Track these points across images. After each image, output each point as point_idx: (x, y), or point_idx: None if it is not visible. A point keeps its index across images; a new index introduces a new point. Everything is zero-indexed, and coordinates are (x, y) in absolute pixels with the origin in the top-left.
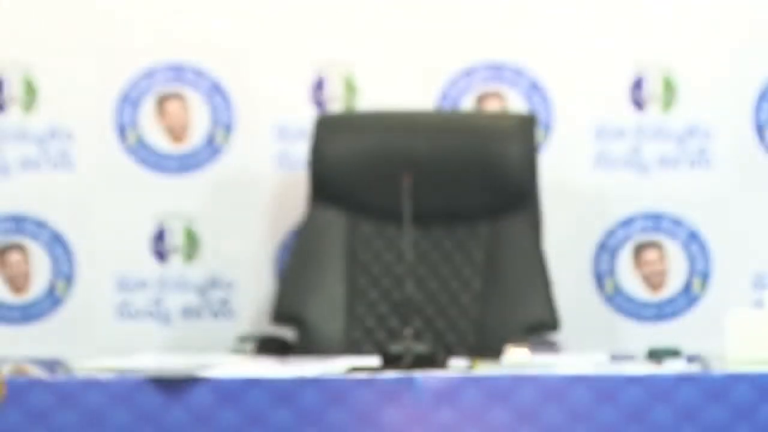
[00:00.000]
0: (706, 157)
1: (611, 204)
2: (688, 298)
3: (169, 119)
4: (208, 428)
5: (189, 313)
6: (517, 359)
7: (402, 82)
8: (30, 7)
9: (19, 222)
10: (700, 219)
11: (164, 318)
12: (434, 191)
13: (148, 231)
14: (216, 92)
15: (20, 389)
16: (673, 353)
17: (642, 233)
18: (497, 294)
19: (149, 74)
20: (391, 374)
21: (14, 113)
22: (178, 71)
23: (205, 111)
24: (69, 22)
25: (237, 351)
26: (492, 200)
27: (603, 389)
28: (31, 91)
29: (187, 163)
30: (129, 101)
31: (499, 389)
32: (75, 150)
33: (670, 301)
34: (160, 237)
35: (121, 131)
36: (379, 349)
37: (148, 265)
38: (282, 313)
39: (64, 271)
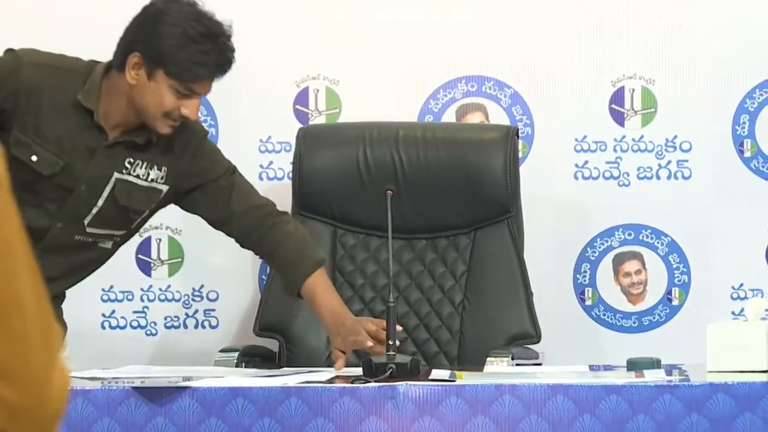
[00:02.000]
0: (685, 168)
1: (591, 215)
2: (667, 308)
3: None
4: None
5: (173, 324)
6: (499, 370)
7: (384, 95)
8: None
9: None
10: (679, 230)
11: (149, 329)
12: (416, 203)
13: (133, 243)
14: (200, 104)
15: None
16: (653, 364)
17: (622, 245)
18: (479, 305)
19: None
20: (373, 385)
21: None
22: None
23: None
24: None
25: (221, 362)
26: (473, 212)
27: (584, 399)
28: None
29: None
30: None
31: (481, 399)
32: None
33: (650, 311)
34: (145, 249)
35: None
36: (361, 359)
37: (133, 277)
38: (265, 324)
39: None
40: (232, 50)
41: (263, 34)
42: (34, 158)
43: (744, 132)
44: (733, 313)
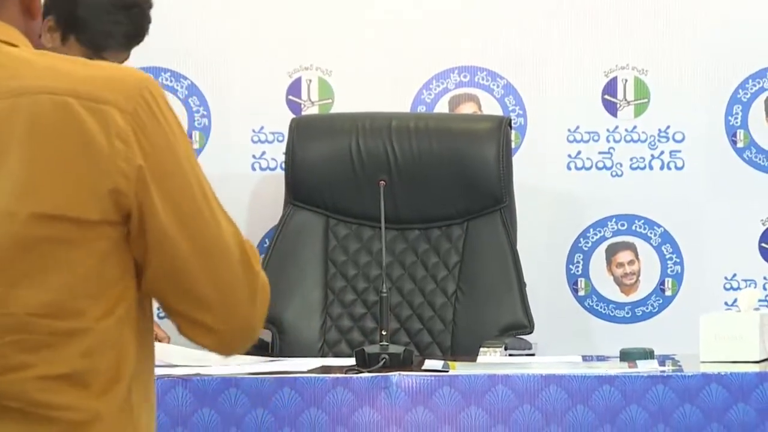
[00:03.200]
0: (678, 159)
1: (584, 206)
2: (660, 299)
3: None
4: (185, 428)
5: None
6: (492, 360)
7: (377, 86)
8: None
9: None
10: (672, 221)
11: None
12: (409, 193)
13: None
14: (193, 95)
15: None
16: (646, 354)
17: (615, 235)
18: (472, 295)
19: None
20: (366, 375)
21: None
22: (155, 74)
23: (182, 114)
24: None
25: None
26: (466, 202)
27: (577, 390)
28: None
29: None
30: None
31: (474, 390)
32: None
33: (643, 302)
34: None
35: None
36: (354, 350)
37: None
38: None
39: None
40: (147, 21)
41: (256, 24)
42: None
43: (737, 122)
44: (726, 303)
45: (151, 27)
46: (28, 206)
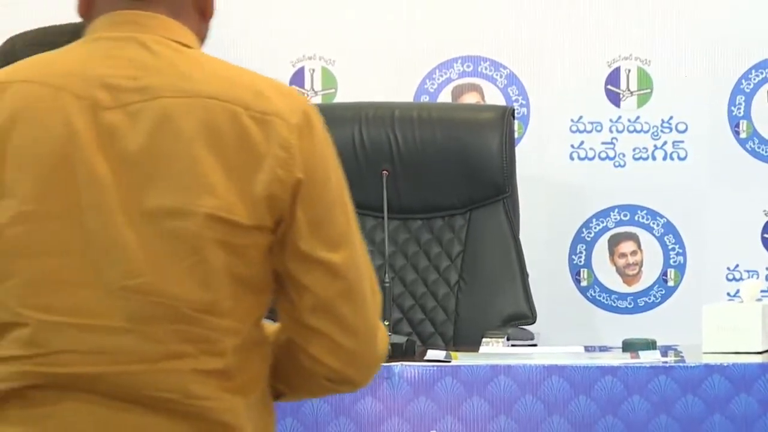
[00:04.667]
0: (680, 149)
1: (587, 196)
2: (663, 289)
3: None
4: None
5: None
6: (494, 350)
7: (380, 75)
8: None
9: None
10: (675, 211)
11: None
12: (412, 183)
13: None
14: None
15: None
16: (649, 345)
17: (618, 225)
18: (474, 285)
19: None
20: None
21: None
22: None
23: None
24: None
25: None
26: (469, 192)
27: (579, 380)
28: None
29: None
30: None
31: (476, 380)
32: None
33: (646, 292)
34: None
35: None
36: None
37: None
38: None
39: None
40: None
41: (259, 13)
42: None
43: (740, 113)
44: (728, 294)
45: None
46: (204, 206)
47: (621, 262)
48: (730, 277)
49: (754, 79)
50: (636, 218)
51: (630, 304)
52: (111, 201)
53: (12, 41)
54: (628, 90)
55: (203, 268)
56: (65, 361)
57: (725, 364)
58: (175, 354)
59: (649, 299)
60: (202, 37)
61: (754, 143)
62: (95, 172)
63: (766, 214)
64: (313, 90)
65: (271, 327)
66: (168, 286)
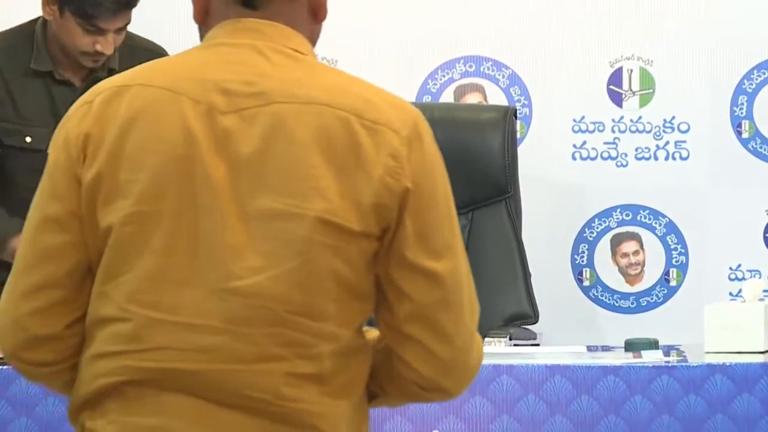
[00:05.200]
0: (683, 150)
1: (589, 196)
2: (665, 289)
3: None
4: None
5: None
6: (496, 350)
7: (382, 75)
8: None
9: None
10: (677, 211)
11: None
12: None
13: None
14: None
15: (5, 380)
16: (651, 344)
17: (620, 225)
18: (476, 285)
19: None
20: None
21: None
22: None
23: None
24: None
25: None
26: (471, 192)
27: (581, 380)
28: None
29: None
30: None
31: (479, 380)
32: None
33: (648, 292)
34: None
35: None
36: None
37: None
38: None
39: None
40: None
41: None
42: (28, 139)
43: (742, 113)
44: (730, 293)
45: (155, 18)
46: (315, 209)
47: (623, 261)
48: (733, 276)
49: (756, 79)
50: (638, 218)
51: (632, 303)
52: (225, 203)
53: None
54: (631, 90)
55: (308, 269)
56: (164, 358)
57: (727, 364)
58: (269, 357)
59: (652, 299)
60: (314, 39)
61: (756, 143)
62: (211, 174)
63: (767, 214)
64: None
65: (373, 332)
66: (269, 288)
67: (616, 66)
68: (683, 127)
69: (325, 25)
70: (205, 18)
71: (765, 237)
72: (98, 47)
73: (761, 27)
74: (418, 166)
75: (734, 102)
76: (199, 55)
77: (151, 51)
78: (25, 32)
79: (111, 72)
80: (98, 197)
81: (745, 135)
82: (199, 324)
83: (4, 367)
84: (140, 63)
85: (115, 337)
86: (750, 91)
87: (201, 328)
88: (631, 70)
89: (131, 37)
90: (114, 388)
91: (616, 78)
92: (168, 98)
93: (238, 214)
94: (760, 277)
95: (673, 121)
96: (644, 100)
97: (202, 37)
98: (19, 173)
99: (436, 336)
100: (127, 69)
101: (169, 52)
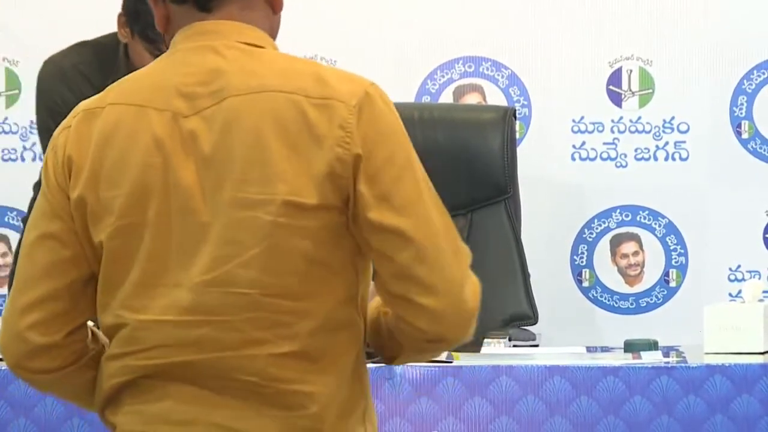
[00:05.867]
0: (682, 150)
1: (589, 197)
2: (665, 290)
3: None
4: None
5: None
6: (496, 351)
7: (381, 75)
8: None
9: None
10: (677, 212)
11: None
12: None
13: None
14: None
15: (4, 380)
16: (650, 345)
17: (619, 226)
18: None
19: None
20: (370, 365)
21: None
22: None
23: None
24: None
25: None
26: (471, 193)
27: (581, 381)
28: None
29: None
30: None
31: (478, 380)
32: None
33: (648, 293)
34: None
35: None
36: None
37: None
38: None
39: None
40: None
41: None
42: None
43: (741, 113)
44: (730, 294)
45: None
46: (280, 194)
47: (623, 262)
48: (732, 277)
49: (756, 80)
50: (638, 219)
51: (632, 304)
52: (196, 203)
53: None
54: (630, 90)
55: (274, 251)
56: (159, 355)
57: (727, 365)
58: (252, 341)
59: (651, 300)
60: (274, 30)
61: (755, 144)
62: (181, 178)
63: (767, 215)
64: None
65: (374, 301)
66: (240, 275)
67: (616, 66)
68: (683, 128)
69: (325, 25)
70: (167, 26)
71: (765, 238)
72: None
73: (761, 27)
74: (369, 132)
75: (734, 102)
76: (161, 64)
77: None
78: (109, 49)
79: None
80: (86, 217)
81: (744, 135)
82: (183, 320)
83: (2, 368)
84: None
85: (118, 340)
86: (750, 91)
87: (185, 323)
88: (631, 71)
89: None
90: (124, 384)
91: (615, 78)
92: (135, 113)
93: (208, 211)
94: (759, 278)
95: (672, 122)
96: (644, 101)
97: (166, 45)
98: None
99: (419, 289)
100: None
101: None
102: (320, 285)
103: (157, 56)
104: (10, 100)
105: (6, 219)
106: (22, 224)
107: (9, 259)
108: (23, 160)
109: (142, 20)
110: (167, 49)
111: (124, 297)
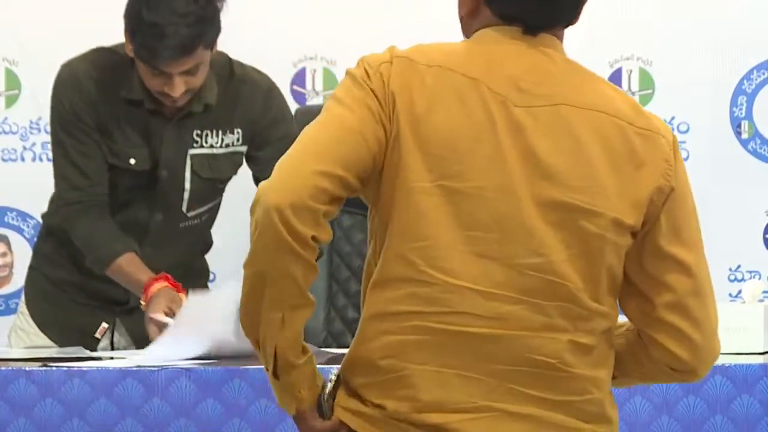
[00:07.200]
0: (683, 150)
1: None
2: None
3: None
4: (188, 419)
5: None
6: None
7: None
8: None
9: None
10: None
11: None
12: None
13: None
14: None
15: (3, 380)
16: None
17: None
18: None
19: None
20: None
21: None
22: None
23: None
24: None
25: None
26: None
27: None
28: None
29: None
30: None
31: None
32: None
33: None
34: None
35: None
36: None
37: None
38: None
39: None
40: (183, 35)
41: (260, 14)
42: (132, 161)
43: (741, 113)
44: (730, 295)
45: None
46: (611, 211)
47: None
48: (732, 278)
49: (756, 80)
50: None
51: None
52: (519, 187)
53: None
54: (630, 90)
55: (591, 259)
56: (461, 322)
57: (727, 365)
58: (555, 327)
59: None
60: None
61: (755, 144)
62: (507, 159)
63: (767, 215)
64: (315, 90)
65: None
66: (560, 269)
67: (616, 66)
68: (683, 128)
69: (325, 25)
70: (473, 16)
71: (765, 238)
72: (166, 89)
73: (761, 27)
74: (679, 169)
75: (734, 102)
76: (485, 50)
77: (245, 82)
78: (121, 58)
79: (207, 107)
80: (393, 155)
81: (744, 135)
82: (499, 293)
83: (2, 368)
84: (234, 96)
85: (413, 297)
86: (750, 91)
87: (500, 297)
88: (631, 71)
89: (233, 67)
90: (402, 345)
91: (615, 78)
92: (468, 84)
93: (531, 198)
94: (759, 279)
95: (672, 122)
96: (644, 101)
97: (465, 30)
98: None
99: (691, 323)
100: (224, 103)
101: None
102: (612, 298)
103: (158, 75)
104: (10, 100)
105: (6, 219)
106: (48, 206)
107: (9, 259)
108: (23, 160)
109: (137, 40)
110: (167, 69)
111: (432, 256)
